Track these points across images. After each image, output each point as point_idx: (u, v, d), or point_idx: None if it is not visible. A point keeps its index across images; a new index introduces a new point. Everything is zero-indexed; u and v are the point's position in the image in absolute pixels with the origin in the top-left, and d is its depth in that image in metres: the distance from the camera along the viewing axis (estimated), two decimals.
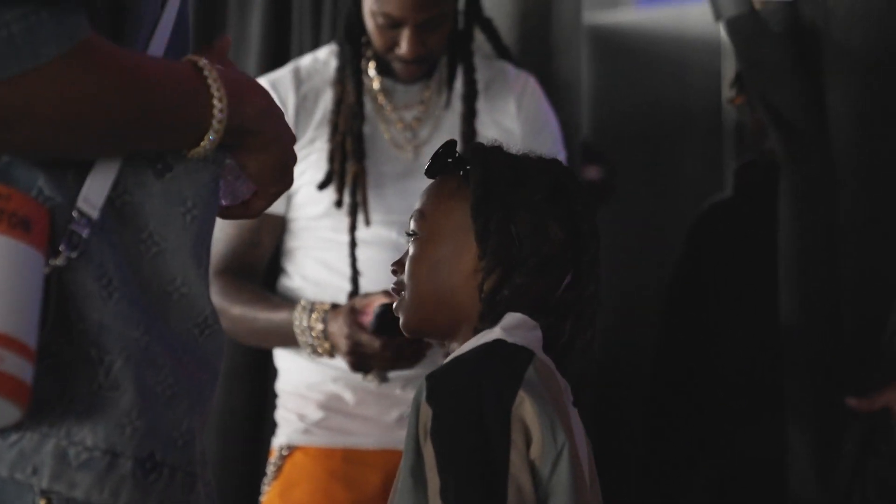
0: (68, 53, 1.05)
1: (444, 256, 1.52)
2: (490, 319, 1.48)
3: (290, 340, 2.26)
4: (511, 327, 1.47)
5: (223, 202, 1.28)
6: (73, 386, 1.10)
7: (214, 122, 1.16)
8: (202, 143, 1.17)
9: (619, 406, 3.22)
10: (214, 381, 1.22)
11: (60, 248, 1.10)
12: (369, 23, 2.29)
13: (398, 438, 2.26)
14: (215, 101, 1.16)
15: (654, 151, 3.63)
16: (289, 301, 2.29)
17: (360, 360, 2.18)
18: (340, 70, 2.34)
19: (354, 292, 2.28)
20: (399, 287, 1.55)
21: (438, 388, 1.42)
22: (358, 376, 2.26)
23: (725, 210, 2.84)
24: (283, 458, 2.32)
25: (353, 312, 2.18)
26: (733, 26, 2.39)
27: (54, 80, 1.05)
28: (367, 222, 2.29)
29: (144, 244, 1.16)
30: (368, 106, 2.35)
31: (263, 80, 2.35)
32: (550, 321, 1.50)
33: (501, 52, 2.48)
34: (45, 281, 1.08)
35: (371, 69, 2.35)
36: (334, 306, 2.22)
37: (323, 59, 2.40)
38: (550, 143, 2.36)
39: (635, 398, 3.12)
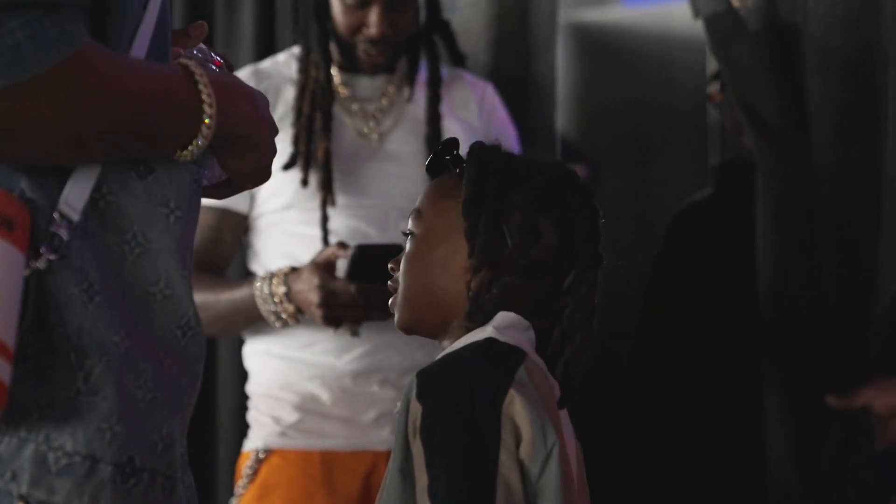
0: (68, 60, 1.05)
1: (437, 256, 1.52)
2: (478, 318, 1.48)
3: (253, 315, 2.26)
4: (503, 326, 1.47)
5: None
6: (52, 390, 1.10)
7: (204, 128, 1.17)
8: (189, 148, 1.18)
9: (601, 401, 3.23)
10: (195, 383, 1.22)
11: (41, 251, 1.09)
12: (336, 5, 2.31)
13: (377, 439, 2.26)
14: (206, 108, 1.17)
15: (640, 149, 3.64)
16: (249, 280, 2.29)
17: (332, 312, 2.17)
18: (304, 59, 2.36)
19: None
20: (395, 284, 1.56)
21: (429, 385, 1.42)
22: (335, 374, 2.26)
23: (704, 208, 2.84)
24: (259, 461, 2.30)
25: (318, 267, 2.18)
26: (711, 24, 2.40)
27: (56, 88, 1.05)
28: (333, 202, 2.29)
29: (129, 245, 1.16)
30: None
31: None
32: (544, 323, 1.50)
33: (457, 58, 2.49)
34: (24, 283, 1.08)
35: (336, 74, 2.37)
36: (294, 269, 2.22)
37: (283, 60, 2.43)
38: (509, 145, 2.39)
39: (619, 393, 3.13)
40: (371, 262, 2.13)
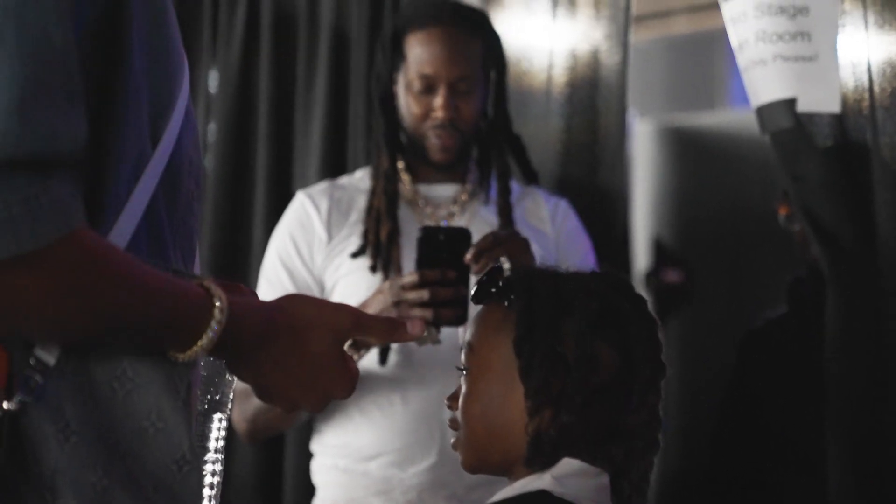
0: (64, 241, 1.05)
1: (495, 394, 1.46)
2: (537, 464, 1.43)
3: None
4: (564, 475, 1.41)
5: None
6: None
7: (204, 340, 1.18)
8: (187, 352, 1.18)
9: (678, 495, 3.22)
10: None
11: (15, 393, 1.10)
12: (403, 97, 2.39)
13: None
14: (209, 331, 1.17)
15: (738, 254, 3.61)
16: None
17: (404, 311, 2.13)
18: (375, 165, 2.42)
19: (385, 350, 2.27)
20: (453, 424, 1.51)
21: None
22: (401, 489, 2.25)
23: (776, 327, 2.82)
24: None
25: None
26: (778, 140, 2.38)
27: (49, 264, 1.05)
28: None
29: (119, 381, 1.15)
30: (404, 208, 2.41)
31: (301, 193, 2.46)
32: (609, 453, 1.43)
33: (530, 176, 2.52)
34: None
35: (404, 176, 2.43)
36: None
37: (359, 176, 2.51)
38: (583, 255, 2.39)
39: (697, 482, 3.12)
40: (438, 245, 2.13)
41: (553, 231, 2.42)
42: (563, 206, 2.47)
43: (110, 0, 1.14)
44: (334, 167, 2.91)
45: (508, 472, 1.46)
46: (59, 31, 1.05)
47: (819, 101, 2.35)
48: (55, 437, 1.11)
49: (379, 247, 2.35)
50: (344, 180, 2.51)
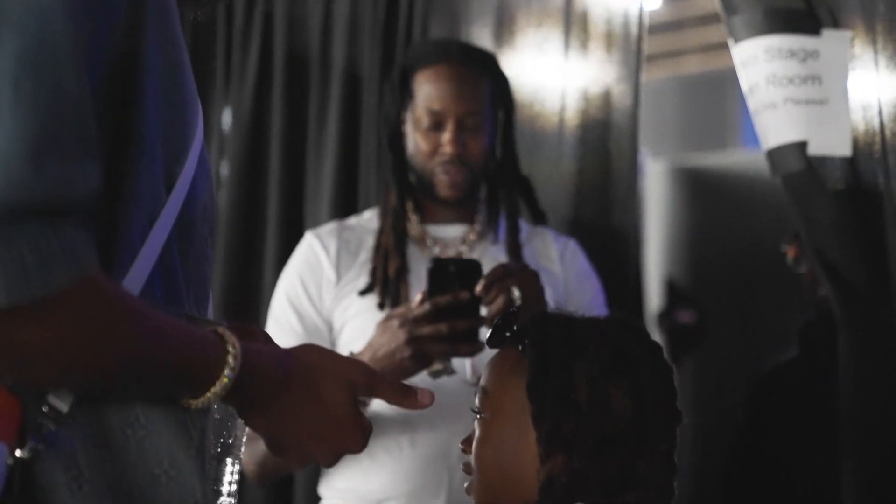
0: (77, 288, 1.05)
1: (508, 438, 1.46)
2: None
3: None
4: None
5: None
6: None
7: (218, 386, 1.18)
8: (200, 399, 1.18)
9: None
10: None
11: (28, 441, 1.10)
12: (412, 136, 2.41)
13: None
14: (223, 378, 1.18)
15: (750, 294, 3.61)
16: None
17: (419, 345, 2.12)
18: (384, 205, 2.42)
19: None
20: (467, 469, 1.51)
21: None
22: None
23: (788, 369, 2.81)
24: None
25: (392, 314, 2.18)
26: (789, 183, 2.38)
27: (62, 310, 1.05)
28: None
29: (132, 428, 1.15)
30: (412, 247, 2.41)
31: (309, 233, 2.47)
32: (622, 501, 1.42)
33: (538, 216, 2.53)
34: (9, 471, 1.09)
35: (412, 216, 2.43)
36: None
37: (367, 217, 2.51)
38: (593, 295, 2.39)
39: None
40: (448, 276, 2.13)
41: (562, 271, 2.43)
42: (572, 246, 2.47)
43: (126, 49, 1.15)
44: (346, 206, 2.93)
45: None
46: (74, 80, 1.06)
47: (830, 144, 2.35)
48: (68, 485, 1.11)
49: (387, 283, 2.35)
50: (352, 221, 2.52)
